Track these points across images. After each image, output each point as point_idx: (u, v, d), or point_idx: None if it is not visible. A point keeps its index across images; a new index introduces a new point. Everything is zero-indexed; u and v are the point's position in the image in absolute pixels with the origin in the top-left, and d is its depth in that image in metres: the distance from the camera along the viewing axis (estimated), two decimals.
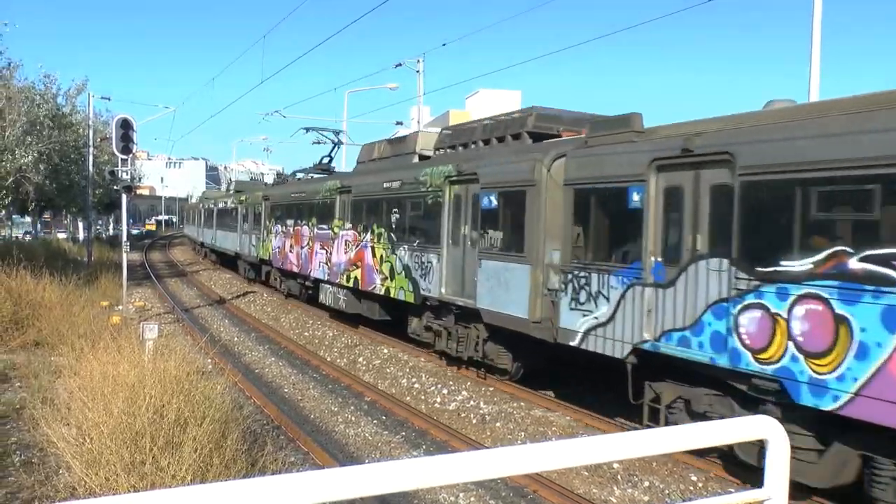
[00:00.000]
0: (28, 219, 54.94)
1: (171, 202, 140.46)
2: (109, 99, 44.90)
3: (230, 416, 8.32)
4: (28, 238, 48.07)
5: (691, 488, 9.06)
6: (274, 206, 27.36)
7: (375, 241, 17.46)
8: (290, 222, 24.78)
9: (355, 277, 18.62)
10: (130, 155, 20.87)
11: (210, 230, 43.74)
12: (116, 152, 20.48)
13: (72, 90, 35.50)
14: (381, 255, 17.09)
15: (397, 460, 2.13)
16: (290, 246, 24.51)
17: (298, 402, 13.01)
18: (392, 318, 18.16)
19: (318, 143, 41.29)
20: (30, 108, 26.90)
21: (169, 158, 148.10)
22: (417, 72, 33.34)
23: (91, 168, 34.97)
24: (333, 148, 27.19)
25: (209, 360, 14.00)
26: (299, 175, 29.08)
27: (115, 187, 35.87)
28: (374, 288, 17.47)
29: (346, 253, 19.43)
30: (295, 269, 24.10)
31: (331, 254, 20.58)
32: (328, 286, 21.12)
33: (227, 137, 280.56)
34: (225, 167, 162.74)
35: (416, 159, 17.40)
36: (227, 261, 39.51)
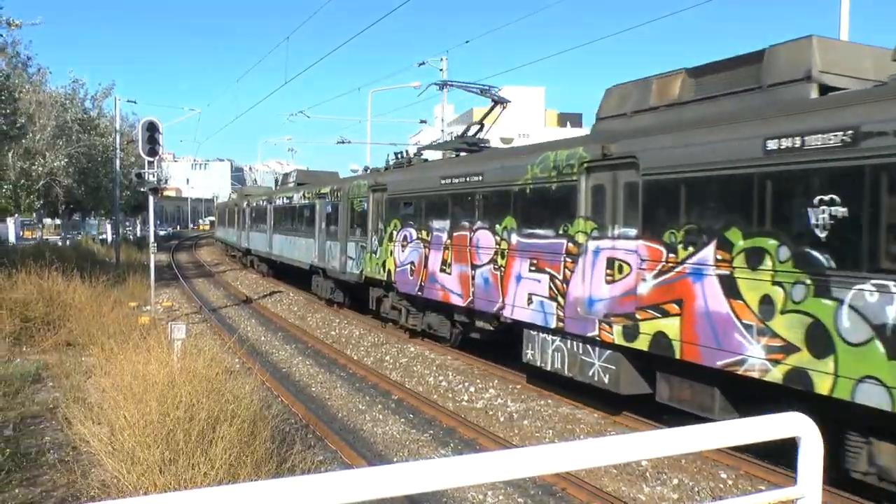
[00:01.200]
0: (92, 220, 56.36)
1: (196, 203, 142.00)
2: (136, 102, 46.11)
3: (259, 415, 8.39)
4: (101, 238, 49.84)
5: (721, 486, 8.98)
6: (397, 201, 18.11)
7: (753, 264, 8.37)
8: (438, 225, 15.72)
9: (658, 333, 9.67)
10: (157, 157, 21.09)
11: (261, 234, 35.16)
12: (143, 154, 20.71)
13: (99, 94, 36.06)
14: (787, 298, 7.94)
15: (426, 460, 2.14)
16: (443, 263, 15.34)
17: (326, 401, 13.08)
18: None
19: (343, 142, 41.36)
20: (59, 112, 27.37)
21: (194, 160, 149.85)
22: (441, 70, 33.37)
23: (118, 170, 35.48)
24: (490, 111, 18.23)
25: (237, 360, 14.14)
26: (425, 155, 20.49)
27: (141, 189, 36.44)
28: (746, 364, 8.41)
29: (616, 283, 10.51)
30: (456, 301, 14.92)
31: (564, 282, 11.44)
32: (550, 338, 12.21)
33: (252, 138, 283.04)
34: (250, 168, 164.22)
35: (812, 92, 8.72)
36: (288, 273, 31.71)
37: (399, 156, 20.47)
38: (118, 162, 35.35)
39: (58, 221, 54.35)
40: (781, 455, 8.92)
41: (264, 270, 36.25)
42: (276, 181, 49.89)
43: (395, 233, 17.89)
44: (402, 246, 17.35)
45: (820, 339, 7.53)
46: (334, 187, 23.62)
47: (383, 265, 18.62)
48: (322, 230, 24.39)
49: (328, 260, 23.54)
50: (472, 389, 13.64)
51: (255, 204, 37.52)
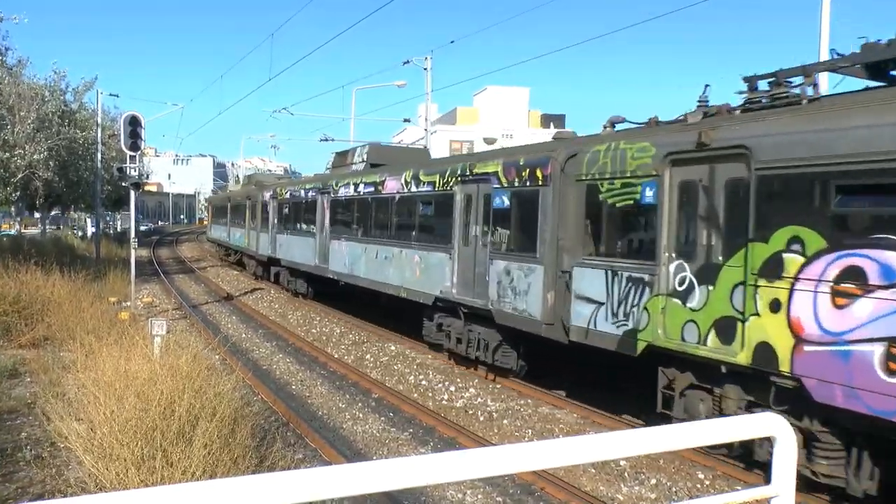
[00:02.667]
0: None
1: (178, 198, 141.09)
2: (118, 96, 44.98)
3: (239, 412, 8.36)
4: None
5: (698, 486, 9.06)
6: (810, 181, 7.70)
7: None
8: None
9: None
10: (139, 152, 20.92)
11: (303, 240, 24.33)
12: (125, 149, 20.53)
13: (80, 87, 35.67)
14: None
15: (405, 457, 2.15)
16: None
17: (306, 399, 13.05)
18: None
19: (326, 140, 41.32)
20: (39, 104, 27.05)
21: (176, 155, 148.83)
22: (425, 69, 33.38)
23: (99, 164, 35.14)
24: None
25: (218, 356, 14.08)
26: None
27: (123, 184, 36.09)
28: None
29: None
30: None
31: None
32: None
33: (234, 135, 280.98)
34: (232, 164, 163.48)
35: None
36: (351, 298, 22.69)
37: (772, 84, 9.40)
38: (99, 156, 35.01)
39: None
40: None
41: (301, 290, 25.74)
42: (284, 171, 44.04)
43: (797, 260, 7.73)
44: (846, 295, 7.27)
45: None
46: (521, 161, 12.67)
47: (730, 330, 8.49)
48: (475, 240, 14.02)
49: (496, 293, 12.96)
50: (452, 389, 13.66)
51: (288, 195, 26.81)
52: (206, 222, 43.31)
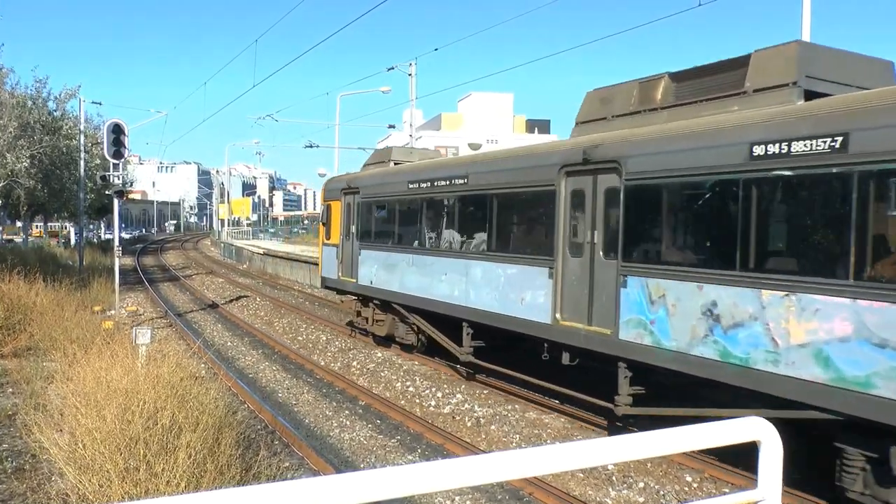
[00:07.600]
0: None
1: (163, 206, 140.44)
2: (101, 104, 44.64)
3: (224, 421, 8.30)
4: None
5: (686, 489, 9.08)
6: None
7: None
8: None
9: None
10: (122, 159, 20.77)
11: None
12: (108, 157, 20.39)
13: (63, 95, 35.41)
14: None
15: (393, 466, 2.13)
16: None
17: (293, 407, 12.98)
18: None
19: (311, 146, 41.27)
20: (21, 112, 26.84)
21: (161, 163, 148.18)
22: (410, 75, 33.39)
23: (83, 172, 34.91)
24: None
25: (203, 365, 13.99)
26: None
27: (106, 192, 35.79)
28: None
29: None
30: None
31: None
32: None
33: (219, 141, 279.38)
34: (217, 171, 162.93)
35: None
36: None
37: None
38: (83, 164, 34.77)
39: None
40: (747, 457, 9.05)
41: None
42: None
43: None
44: None
45: None
46: None
47: None
48: None
49: None
50: (439, 395, 13.63)
51: None
52: (320, 239, 21.07)
